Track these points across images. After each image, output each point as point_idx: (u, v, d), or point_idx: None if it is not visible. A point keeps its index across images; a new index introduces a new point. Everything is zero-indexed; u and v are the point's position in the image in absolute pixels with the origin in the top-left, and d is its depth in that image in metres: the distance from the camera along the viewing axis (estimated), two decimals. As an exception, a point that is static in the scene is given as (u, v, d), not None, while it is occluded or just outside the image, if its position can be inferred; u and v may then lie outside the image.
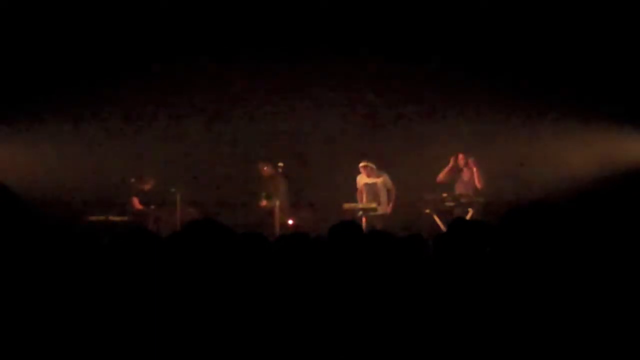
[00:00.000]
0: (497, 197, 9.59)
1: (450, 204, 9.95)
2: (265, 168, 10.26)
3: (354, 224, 3.74)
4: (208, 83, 10.75)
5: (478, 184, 9.90)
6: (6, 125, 10.06)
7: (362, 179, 10.35)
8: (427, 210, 10.03)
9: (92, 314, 2.73)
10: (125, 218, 9.77)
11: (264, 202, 10.14)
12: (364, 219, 10.00)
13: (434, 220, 9.90)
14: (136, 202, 10.15)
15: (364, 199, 10.26)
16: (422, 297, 3.08)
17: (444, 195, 10.03)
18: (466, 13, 9.66)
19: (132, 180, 10.07)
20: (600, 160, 9.84)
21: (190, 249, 2.76)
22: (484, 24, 9.68)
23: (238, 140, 11.07)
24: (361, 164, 10.26)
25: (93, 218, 9.72)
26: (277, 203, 10.10)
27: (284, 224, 10.01)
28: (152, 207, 10.16)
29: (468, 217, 9.55)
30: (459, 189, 10.08)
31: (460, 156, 10.08)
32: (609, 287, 2.93)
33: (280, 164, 10.20)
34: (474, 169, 9.95)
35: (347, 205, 10.24)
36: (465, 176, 10.08)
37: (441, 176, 10.15)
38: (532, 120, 10.27)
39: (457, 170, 10.13)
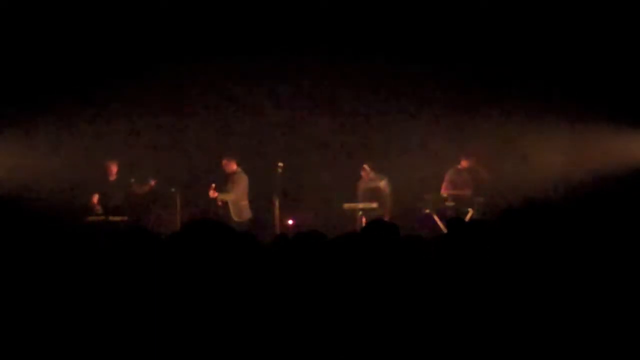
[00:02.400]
0: (497, 197, 9.61)
1: (450, 204, 9.95)
2: (228, 164, 10.23)
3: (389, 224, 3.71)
4: (207, 83, 10.75)
5: (486, 177, 9.90)
6: (5, 125, 10.05)
7: (362, 184, 10.35)
8: (427, 210, 10.03)
9: (91, 314, 2.73)
10: (125, 218, 9.76)
11: (214, 194, 10.03)
12: (363, 219, 10.00)
13: (434, 220, 9.91)
14: (94, 201, 9.87)
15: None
16: (422, 297, 3.08)
17: (444, 195, 10.03)
18: (462, 14, 9.66)
19: (132, 180, 10.05)
20: (598, 160, 9.83)
21: (190, 248, 2.76)
22: (479, 25, 9.67)
23: (238, 140, 11.05)
24: (363, 167, 10.28)
25: (92, 218, 9.72)
26: (230, 198, 10.06)
27: (236, 222, 9.91)
28: (153, 207, 10.15)
29: (468, 217, 9.56)
30: (464, 189, 10.05)
31: (464, 161, 10.09)
32: (607, 287, 2.93)
33: (280, 164, 10.19)
34: (480, 167, 9.96)
35: (347, 205, 10.25)
36: (465, 176, 10.07)
37: (445, 189, 10.13)
38: (532, 120, 10.25)
39: (459, 174, 10.11)
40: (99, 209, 9.85)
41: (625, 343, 2.75)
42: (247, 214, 10.14)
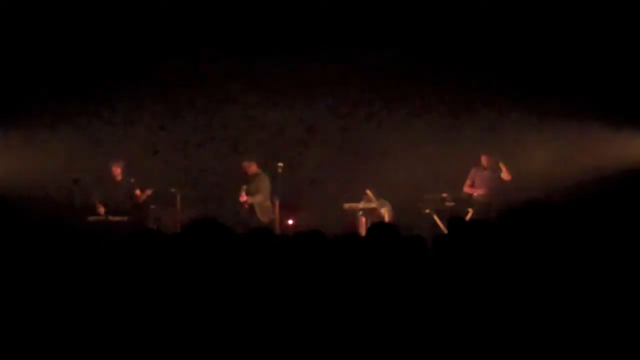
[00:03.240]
0: (498, 197, 9.62)
1: (450, 204, 9.95)
2: (249, 166, 10.27)
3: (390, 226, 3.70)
4: (207, 83, 10.75)
5: (507, 177, 9.85)
6: (5, 126, 10.05)
7: (366, 205, 10.26)
8: (427, 210, 10.03)
9: (94, 313, 2.73)
10: (125, 218, 9.75)
11: (243, 197, 10.10)
12: (363, 219, 10.01)
13: (434, 220, 9.91)
14: (100, 207, 9.86)
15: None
16: (422, 297, 3.08)
17: (444, 195, 10.03)
18: (461, 14, 9.65)
19: (132, 180, 10.04)
20: (598, 160, 9.83)
21: (191, 249, 2.76)
22: (477, 25, 9.66)
23: (238, 140, 11.06)
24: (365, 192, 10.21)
25: (93, 218, 9.72)
26: (255, 201, 10.10)
27: (264, 223, 9.95)
28: (153, 206, 10.16)
29: (468, 217, 9.56)
30: (479, 185, 10.01)
31: (484, 158, 10.03)
32: (607, 286, 2.93)
33: (280, 164, 10.19)
34: (501, 166, 9.91)
35: (347, 205, 10.25)
36: (487, 174, 10.02)
37: (468, 187, 10.10)
38: (533, 120, 10.26)
39: (480, 172, 10.09)
40: (102, 211, 9.86)
41: (625, 343, 2.75)
42: (271, 214, 10.18)
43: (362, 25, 9.88)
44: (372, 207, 10.17)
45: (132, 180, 10.00)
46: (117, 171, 10.02)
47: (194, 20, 9.82)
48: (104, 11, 9.54)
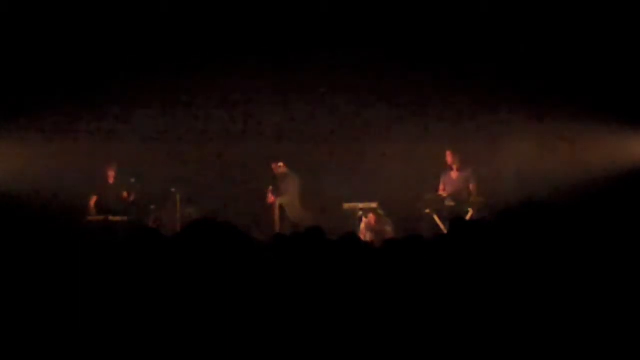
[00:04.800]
0: (497, 197, 9.60)
1: (450, 204, 9.94)
2: (277, 166, 10.32)
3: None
4: (207, 83, 10.74)
5: (472, 188, 9.83)
6: (5, 125, 10.05)
7: (369, 225, 10.19)
8: (427, 210, 10.01)
9: (94, 314, 2.73)
10: (125, 218, 9.76)
11: (271, 199, 10.16)
12: (363, 219, 10.00)
13: (434, 220, 9.90)
14: (91, 204, 9.95)
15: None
16: (422, 297, 3.08)
17: (444, 195, 10.02)
18: (457, 15, 9.65)
19: (132, 180, 10.05)
20: (599, 160, 9.83)
21: (192, 249, 2.76)
22: (480, 22, 9.66)
23: (238, 140, 11.06)
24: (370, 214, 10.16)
25: (93, 218, 9.73)
26: (285, 201, 10.13)
27: (294, 223, 9.98)
28: (153, 206, 10.17)
29: (468, 217, 9.55)
30: (448, 189, 10.00)
31: (448, 153, 10.01)
32: (605, 286, 2.94)
33: (280, 164, 10.21)
34: (471, 186, 9.89)
35: (347, 205, 10.24)
36: (453, 175, 10.01)
37: (441, 188, 10.09)
38: (532, 119, 10.26)
39: (447, 174, 10.08)
40: (94, 211, 9.89)
41: (624, 343, 2.76)
42: (302, 214, 10.18)
43: (362, 25, 9.88)
44: (377, 230, 10.08)
45: (132, 180, 10.02)
46: (111, 173, 10.07)
47: (191, 19, 9.82)
48: (102, 12, 9.54)
